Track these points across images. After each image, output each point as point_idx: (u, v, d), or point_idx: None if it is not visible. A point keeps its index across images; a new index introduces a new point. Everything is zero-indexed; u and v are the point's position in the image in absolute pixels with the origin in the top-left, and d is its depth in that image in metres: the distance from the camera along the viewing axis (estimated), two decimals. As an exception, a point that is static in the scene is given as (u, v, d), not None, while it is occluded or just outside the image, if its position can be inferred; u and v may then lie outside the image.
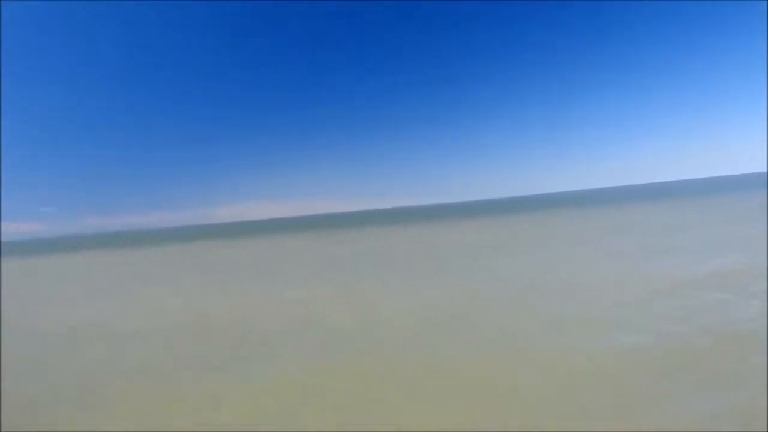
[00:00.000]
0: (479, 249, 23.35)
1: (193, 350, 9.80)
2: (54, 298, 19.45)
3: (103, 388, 7.86)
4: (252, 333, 10.82)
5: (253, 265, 26.41)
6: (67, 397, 7.66)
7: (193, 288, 18.94)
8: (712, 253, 15.39)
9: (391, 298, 13.24)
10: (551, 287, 12.64)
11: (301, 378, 7.55)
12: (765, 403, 5.33)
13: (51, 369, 9.34)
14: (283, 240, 50.56)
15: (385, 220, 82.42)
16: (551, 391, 6.17)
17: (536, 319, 9.76)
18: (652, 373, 6.47)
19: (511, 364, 7.31)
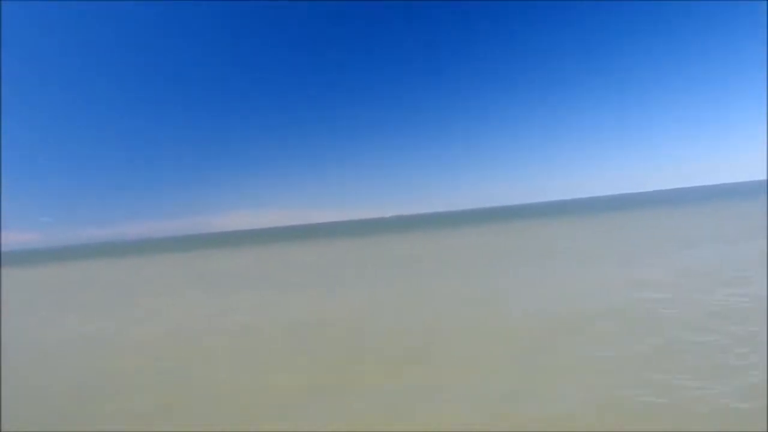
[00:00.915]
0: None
1: (193, 359, 9.81)
2: (60, 310, 19.43)
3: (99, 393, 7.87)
4: (255, 339, 10.83)
5: (252, 274, 26.43)
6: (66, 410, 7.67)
7: (197, 298, 18.94)
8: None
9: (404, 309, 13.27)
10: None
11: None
12: None
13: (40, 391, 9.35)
14: (284, 250, 50.51)
15: (385, 230, 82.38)
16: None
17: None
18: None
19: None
